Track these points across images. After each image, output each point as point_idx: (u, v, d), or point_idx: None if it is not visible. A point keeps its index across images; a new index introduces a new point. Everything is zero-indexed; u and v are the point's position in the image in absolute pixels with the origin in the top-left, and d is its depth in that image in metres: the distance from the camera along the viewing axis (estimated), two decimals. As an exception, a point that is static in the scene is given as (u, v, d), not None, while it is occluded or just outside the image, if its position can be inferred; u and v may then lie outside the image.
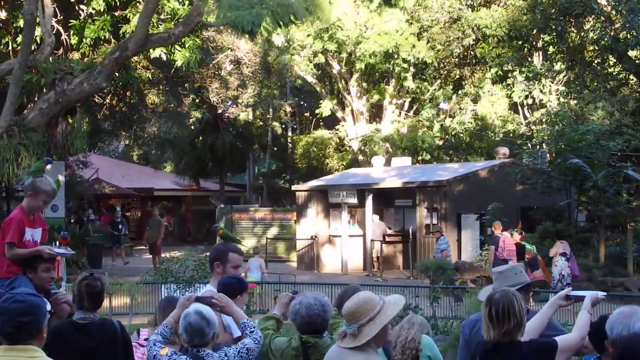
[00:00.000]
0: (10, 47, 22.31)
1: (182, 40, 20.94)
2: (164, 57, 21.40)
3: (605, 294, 5.44)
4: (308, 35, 32.88)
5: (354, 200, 27.92)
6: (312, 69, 36.32)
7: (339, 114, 38.14)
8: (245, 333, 5.29)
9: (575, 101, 31.96)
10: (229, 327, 5.58)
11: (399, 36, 32.79)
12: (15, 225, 6.47)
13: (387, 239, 28.35)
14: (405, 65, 34.47)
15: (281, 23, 17.22)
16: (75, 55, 21.68)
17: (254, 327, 5.34)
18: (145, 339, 6.30)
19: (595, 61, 34.11)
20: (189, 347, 5.07)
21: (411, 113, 38.21)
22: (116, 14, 21.76)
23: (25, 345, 3.84)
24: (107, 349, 5.32)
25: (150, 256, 28.28)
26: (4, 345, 3.85)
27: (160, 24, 21.86)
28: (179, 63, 21.70)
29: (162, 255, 26.48)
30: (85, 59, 21.00)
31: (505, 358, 4.72)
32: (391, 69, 34.83)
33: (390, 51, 32.99)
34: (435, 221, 25.63)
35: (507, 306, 4.69)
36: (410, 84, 35.42)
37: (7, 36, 22.47)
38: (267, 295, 17.53)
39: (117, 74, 21.13)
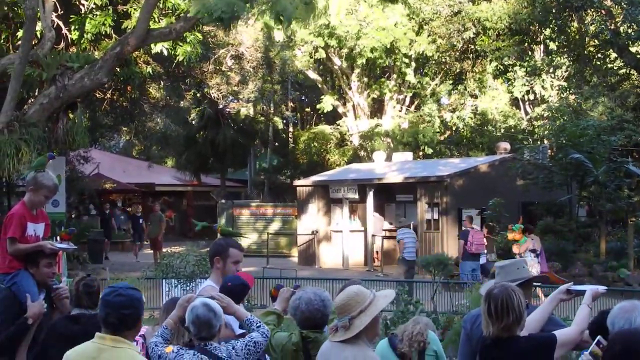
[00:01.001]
0: (10, 42, 22.28)
1: (184, 35, 20.91)
2: (165, 53, 21.37)
3: (605, 288, 5.44)
4: (310, 34, 32.88)
5: (355, 196, 27.92)
6: (313, 64, 36.29)
7: (340, 109, 38.12)
8: (252, 328, 5.29)
9: (574, 96, 31.95)
10: (229, 324, 5.58)
11: (397, 31, 32.78)
12: (17, 220, 6.46)
13: (388, 234, 28.36)
14: (407, 60, 34.46)
15: (276, 19, 17.19)
16: (76, 50, 21.64)
17: (260, 322, 5.36)
18: (141, 335, 6.31)
19: (596, 56, 34.08)
20: (195, 341, 5.07)
21: (412, 108, 38.21)
22: (117, 8, 21.74)
23: (117, 337, 4.26)
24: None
25: (151, 251, 28.30)
26: (101, 333, 4.31)
27: (162, 19, 21.83)
28: (180, 58, 21.67)
29: (163, 250, 26.50)
30: (87, 53, 20.94)
31: (505, 353, 4.72)
32: (392, 63, 34.81)
33: (389, 46, 32.96)
34: (436, 216, 25.68)
35: (506, 301, 4.70)
36: (411, 78, 35.43)
37: (7, 31, 22.44)
38: (267, 290, 17.51)
39: (118, 69, 21.10)
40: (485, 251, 20.79)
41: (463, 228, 21.91)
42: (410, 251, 20.79)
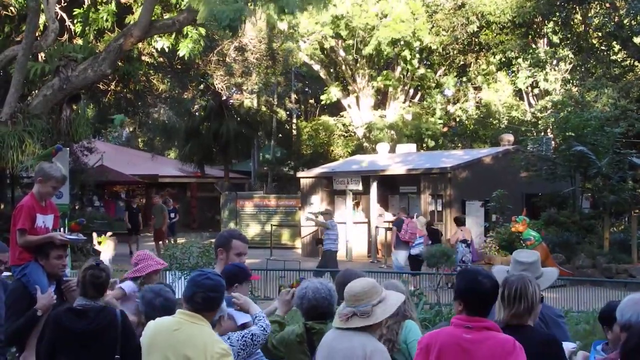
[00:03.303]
0: (13, 34, 22.29)
1: (186, 32, 20.88)
2: (166, 49, 21.34)
3: (575, 345, 5.45)
4: (317, 23, 32.86)
5: (358, 187, 27.92)
6: (318, 55, 36.29)
7: (344, 101, 38.10)
8: (255, 321, 5.39)
9: (577, 88, 31.91)
10: (232, 315, 5.60)
11: (416, 22, 32.88)
12: (26, 212, 6.45)
13: (391, 225, 28.38)
14: (411, 53, 34.47)
15: (280, 12, 17.16)
16: (79, 41, 21.63)
17: (263, 317, 5.45)
18: None
19: (600, 48, 34.03)
20: None
21: (416, 100, 38.21)
22: (120, 1, 21.70)
23: (197, 314, 4.63)
24: (103, 334, 5.33)
25: (155, 243, 28.27)
26: (182, 309, 4.70)
27: (165, 15, 21.81)
28: (181, 53, 21.61)
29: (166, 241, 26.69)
30: (90, 45, 20.93)
31: (517, 339, 4.74)
32: (398, 55, 34.79)
33: (407, 39, 32.98)
34: (440, 208, 25.70)
35: (521, 289, 4.75)
36: (419, 70, 35.59)
37: (10, 24, 22.42)
38: (271, 282, 17.55)
39: (120, 64, 21.07)
40: (420, 242, 21.11)
41: (400, 217, 22.32)
42: (336, 242, 21.51)
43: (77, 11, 21.32)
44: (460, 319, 4.53)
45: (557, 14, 32.47)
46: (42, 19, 19.59)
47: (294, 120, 46.52)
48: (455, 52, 36.17)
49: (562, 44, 34.37)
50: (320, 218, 22.11)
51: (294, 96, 45.04)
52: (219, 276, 4.81)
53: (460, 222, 21.15)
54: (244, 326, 5.45)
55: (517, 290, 4.75)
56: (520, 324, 4.76)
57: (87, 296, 5.48)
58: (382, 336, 5.49)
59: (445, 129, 38.00)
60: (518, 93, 36.44)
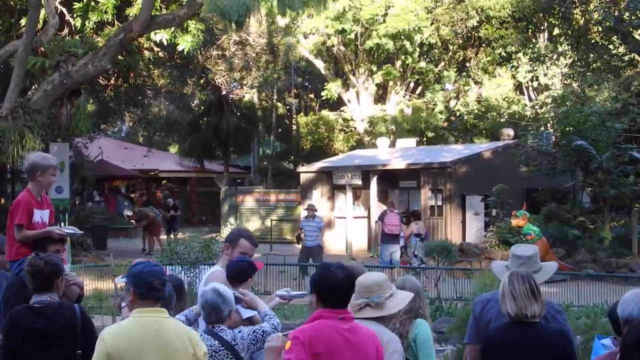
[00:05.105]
0: (14, 29, 22.27)
1: (185, 26, 20.84)
2: (165, 43, 21.31)
3: (577, 341, 5.46)
4: (327, 18, 32.86)
5: (358, 182, 27.92)
6: (322, 51, 36.28)
7: (344, 96, 38.07)
8: (265, 319, 5.43)
9: (577, 83, 31.91)
10: (237, 309, 5.61)
11: (419, 15, 32.93)
12: (24, 207, 6.44)
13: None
14: (411, 47, 34.47)
15: (283, 12, 17.16)
16: (79, 37, 21.63)
17: (273, 315, 5.49)
18: None
19: (600, 42, 34.02)
20: (206, 325, 5.26)
21: (416, 94, 38.20)
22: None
23: (162, 309, 4.54)
24: (62, 333, 5.18)
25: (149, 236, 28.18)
26: (144, 307, 4.51)
27: (164, 9, 21.78)
28: (180, 48, 21.57)
29: (161, 237, 26.74)
30: (90, 40, 20.92)
31: (526, 335, 4.75)
32: (398, 49, 34.77)
33: (413, 31, 32.99)
34: (440, 202, 25.70)
35: (533, 285, 4.76)
36: (421, 64, 35.58)
37: (10, 20, 22.41)
38: (271, 276, 17.57)
39: (120, 58, 21.05)
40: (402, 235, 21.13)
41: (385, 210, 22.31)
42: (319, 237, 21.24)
43: (76, 5, 21.30)
44: (327, 311, 4.43)
45: (557, 8, 32.47)
46: (42, 13, 19.58)
47: (294, 115, 46.47)
48: (455, 47, 36.15)
49: (562, 38, 34.37)
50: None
51: (293, 91, 45.01)
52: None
53: (416, 216, 21.13)
54: (249, 320, 5.48)
55: (531, 286, 4.78)
56: (533, 321, 4.79)
57: (33, 290, 5.30)
58: (395, 330, 5.40)
59: (446, 124, 37.99)
60: (518, 87, 36.44)
